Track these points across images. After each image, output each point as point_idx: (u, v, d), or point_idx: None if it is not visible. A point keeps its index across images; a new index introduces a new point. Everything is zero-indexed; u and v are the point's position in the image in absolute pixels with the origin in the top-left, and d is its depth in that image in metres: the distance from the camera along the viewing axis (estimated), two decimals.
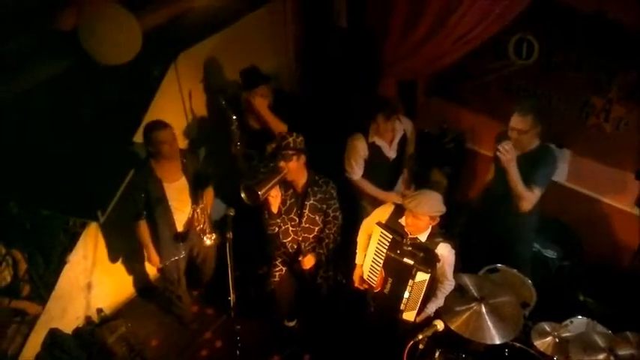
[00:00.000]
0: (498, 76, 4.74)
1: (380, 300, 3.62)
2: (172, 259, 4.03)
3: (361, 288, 3.72)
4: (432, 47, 4.31)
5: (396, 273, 3.41)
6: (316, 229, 3.80)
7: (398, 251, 3.34)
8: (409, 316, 3.51)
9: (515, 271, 4.03)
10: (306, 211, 3.72)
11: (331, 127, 4.65)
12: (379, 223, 3.47)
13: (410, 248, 3.34)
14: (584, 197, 4.25)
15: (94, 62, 2.89)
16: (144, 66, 3.66)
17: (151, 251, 3.94)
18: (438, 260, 3.36)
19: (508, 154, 3.61)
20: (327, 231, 3.81)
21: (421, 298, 3.43)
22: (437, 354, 3.85)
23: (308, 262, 3.84)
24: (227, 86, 4.59)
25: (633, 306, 4.17)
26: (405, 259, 3.31)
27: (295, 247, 3.87)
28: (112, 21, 2.86)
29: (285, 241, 3.83)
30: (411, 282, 3.35)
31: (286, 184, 3.68)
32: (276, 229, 3.76)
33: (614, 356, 3.29)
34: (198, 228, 4.00)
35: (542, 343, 3.58)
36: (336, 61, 4.93)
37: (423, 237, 3.41)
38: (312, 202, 3.70)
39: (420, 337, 2.90)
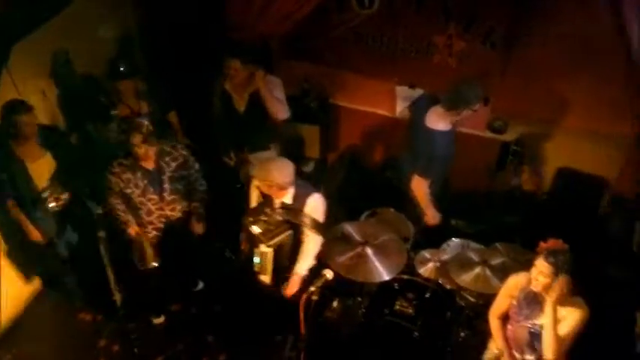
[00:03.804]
0: (347, 29, 4.85)
1: (244, 257, 3.70)
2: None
3: None
4: (279, 6, 4.33)
5: (250, 238, 3.46)
6: (183, 198, 3.77)
7: (251, 219, 3.39)
8: (265, 278, 3.57)
9: (392, 210, 4.24)
10: (167, 185, 3.64)
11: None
12: (257, 186, 3.51)
13: (266, 218, 3.37)
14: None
15: None
16: None
17: (30, 228, 3.75)
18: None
19: None
20: (199, 187, 3.82)
21: (271, 266, 3.49)
22: (335, 303, 4.01)
23: (199, 228, 3.88)
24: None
25: (498, 220, 4.60)
26: (253, 228, 3.36)
27: (164, 220, 3.80)
28: None
29: (149, 218, 3.74)
30: (256, 250, 3.42)
31: (133, 166, 3.56)
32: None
33: (488, 267, 3.61)
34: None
35: (426, 270, 3.85)
36: (182, 31, 4.75)
37: (287, 199, 3.46)
38: (169, 174, 3.63)
39: (312, 289, 2.94)
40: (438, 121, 3.81)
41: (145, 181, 3.60)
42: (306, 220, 3.39)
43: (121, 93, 4.26)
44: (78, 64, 4.38)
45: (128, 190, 3.61)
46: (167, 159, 3.63)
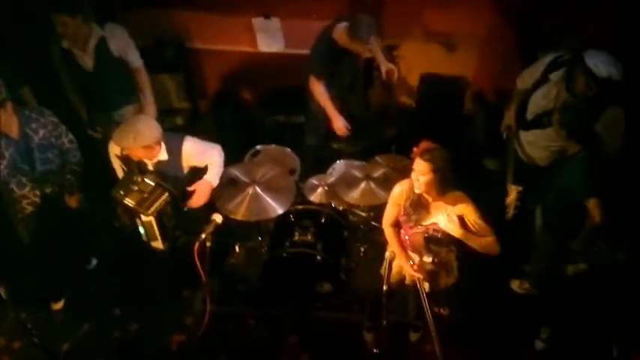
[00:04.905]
0: None
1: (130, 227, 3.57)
2: None
3: None
4: None
5: (126, 210, 3.34)
6: (57, 170, 3.47)
7: (121, 192, 3.25)
8: (156, 244, 3.47)
9: (274, 145, 4.25)
10: (36, 155, 3.33)
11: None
12: (117, 155, 3.33)
13: (136, 187, 3.25)
14: (302, 57, 4.44)
15: None
16: None
17: None
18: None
19: None
20: (72, 158, 3.51)
21: (158, 230, 3.37)
22: (237, 248, 4.03)
23: (72, 201, 3.58)
24: None
25: (377, 135, 4.77)
26: (127, 201, 3.22)
27: (39, 194, 3.49)
28: None
29: (22, 192, 3.42)
30: (138, 221, 3.32)
31: None
32: None
33: (371, 180, 3.79)
34: None
35: (316, 196, 3.94)
36: None
37: (163, 155, 3.37)
38: (38, 142, 3.32)
39: (203, 235, 2.91)
40: None
41: (11, 151, 3.26)
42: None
43: None
44: None
45: None
46: (34, 126, 3.29)
